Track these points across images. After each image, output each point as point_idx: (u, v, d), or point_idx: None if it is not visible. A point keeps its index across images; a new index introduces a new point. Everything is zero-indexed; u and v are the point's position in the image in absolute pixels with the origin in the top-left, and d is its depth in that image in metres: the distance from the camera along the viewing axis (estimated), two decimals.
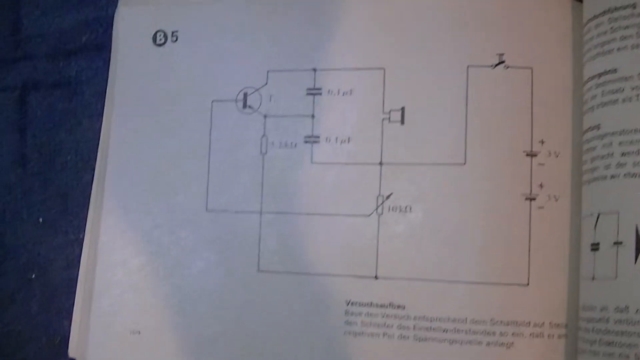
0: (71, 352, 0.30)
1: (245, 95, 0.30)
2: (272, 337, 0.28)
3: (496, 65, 0.28)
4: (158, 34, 0.31)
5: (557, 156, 0.27)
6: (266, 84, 0.30)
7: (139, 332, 0.29)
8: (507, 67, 0.28)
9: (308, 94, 0.29)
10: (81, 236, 0.31)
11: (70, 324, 0.30)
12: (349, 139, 0.29)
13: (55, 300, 0.31)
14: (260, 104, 0.30)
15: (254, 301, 0.29)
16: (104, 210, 0.30)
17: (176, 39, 0.31)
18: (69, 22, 0.33)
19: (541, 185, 0.27)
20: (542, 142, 0.27)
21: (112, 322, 0.30)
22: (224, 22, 0.31)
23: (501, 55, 0.28)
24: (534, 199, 0.27)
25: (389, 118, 0.28)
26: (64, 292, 0.31)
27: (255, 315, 0.28)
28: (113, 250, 0.30)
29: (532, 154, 0.27)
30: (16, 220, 0.32)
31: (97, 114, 0.32)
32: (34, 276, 0.32)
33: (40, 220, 0.32)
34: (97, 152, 0.31)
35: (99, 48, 0.33)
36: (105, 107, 0.31)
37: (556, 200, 0.27)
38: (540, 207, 0.27)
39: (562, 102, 0.27)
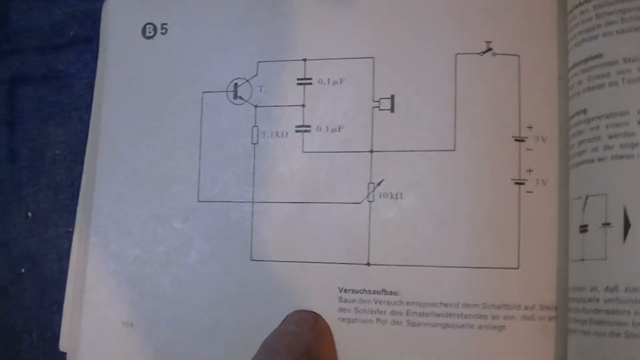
0: (62, 346, 0.30)
1: (235, 86, 0.30)
2: (266, 326, 0.28)
3: (484, 52, 0.28)
4: (147, 27, 0.31)
5: (545, 141, 0.27)
6: (256, 74, 0.30)
7: (132, 324, 0.29)
8: (495, 55, 0.28)
9: (299, 83, 0.29)
10: (71, 229, 0.31)
11: (60, 318, 0.30)
12: (339, 127, 0.29)
13: (47, 294, 0.31)
14: (251, 94, 0.30)
15: (247, 290, 0.29)
16: (94, 203, 0.30)
17: (165, 31, 0.31)
18: (57, 15, 0.33)
19: (529, 170, 0.27)
20: (530, 127, 0.27)
21: (105, 315, 0.30)
22: (214, 14, 0.31)
23: (489, 42, 0.28)
24: (523, 183, 0.27)
25: (379, 106, 0.29)
26: (56, 285, 0.31)
27: (250, 304, 0.28)
28: (105, 242, 0.30)
29: (520, 139, 0.27)
30: (5, 214, 0.32)
31: (86, 107, 0.32)
32: (24, 270, 0.32)
33: (30, 214, 0.32)
34: (85, 145, 0.31)
35: (88, 41, 0.33)
36: (94, 100, 0.31)
37: (544, 184, 0.27)
38: (529, 192, 0.27)
39: (548, 88, 0.28)
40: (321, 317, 0.28)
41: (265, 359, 0.25)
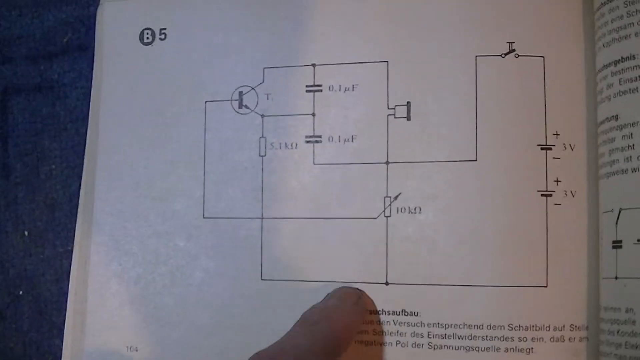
0: None
1: (240, 94, 0.28)
2: None
3: (506, 54, 0.26)
4: (145, 32, 0.29)
5: (573, 149, 0.26)
6: (263, 81, 0.28)
7: (137, 349, 0.28)
8: (518, 56, 0.26)
9: (308, 91, 0.28)
10: (70, 248, 0.29)
11: (61, 342, 0.29)
12: (352, 137, 0.27)
13: (46, 317, 0.30)
14: (257, 103, 0.28)
15: (258, 311, 0.27)
16: (94, 220, 0.29)
17: (164, 37, 0.29)
18: (49, 22, 0.31)
19: (557, 181, 0.25)
20: (557, 134, 0.26)
21: (108, 339, 0.28)
22: (216, 18, 0.29)
23: (511, 43, 0.26)
24: (550, 194, 0.25)
25: (395, 114, 0.27)
26: (55, 308, 0.30)
27: (260, 326, 0.27)
28: (106, 261, 0.28)
29: (546, 147, 0.26)
30: (1, 233, 0.31)
31: (82, 118, 0.30)
32: (21, 292, 0.30)
33: (26, 233, 0.30)
34: (83, 158, 0.30)
35: (83, 49, 0.31)
36: (90, 111, 0.30)
37: (573, 195, 0.25)
38: (557, 204, 0.25)
39: (576, 92, 0.26)
40: (365, 293, 0.26)
41: (303, 330, 0.23)
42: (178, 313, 0.28)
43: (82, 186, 0.29)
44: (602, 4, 0.25)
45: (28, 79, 0.31)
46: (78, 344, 0.28)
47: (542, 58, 0.26)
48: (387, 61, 0.27)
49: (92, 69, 0.30)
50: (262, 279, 0.27)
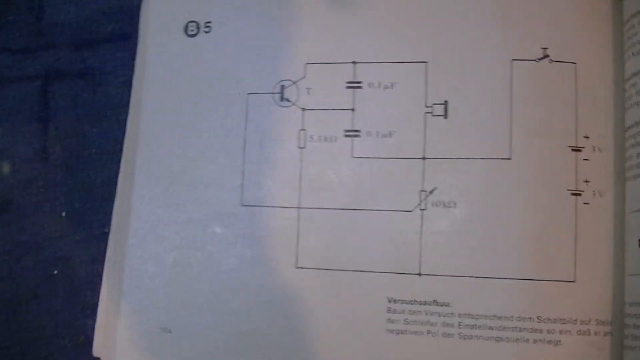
0: (96, 352, 0.29)
1: (282, 87, 0.29)
2: (310, 336, 0.27)
3: (541, 59, 0.27)
4: (190, 25, 0.30)
5: (601, 151, 0.27)
6: (304, 76, 0.29)
7: (170, 331, 0.28)
8: (552, 62, 0.27)
9: (348, 87, 0.29)
10: (106, 230, 0.30)
11: (94, 322, 0.29)
12: (390, 133, 0.28)
13: (79, 297, 0.30)
14: (298, 96, 0.29)
15: (291, 299, 0.28)
16: (132, 204, 0.29)
17: (209, 30, 0.30)
18: (93, 10, 0.32)
19: (586, 181, 0.27)
20: (587, 137, 0.27)
21: (142, 320, 0.29)
22: (260, 13, 0.30)
23: (545, 49, 0.27)
24: (580, 194, 0.27)
25: (432, 112, 0.28)
26: (88, 288, 0.30)
27: (293, 313, 0.28)
28: (143, 245, 0.29)
29: (577, 149, 0.27)
30: (38, 214, 0.31)
31: (122, 106, 0.31)
32: (56, 272, 0.31)
33: (63, 214, 0.31)
34: (122, 144, 0.30)
35: (125, 38, 0.32)
36: (131, 99, 0.30)
37: (601, 196, 0.27)
38: (586, 203, 0.26)
39: (605, 97, 0.27)
40: None
41: None
42: (212, 298, 0.28)
43: (120, 171, 0.30)
44: (631, 15, 0.27)
45: (70, 65, 0.32)
46: (112, 324, 0.29)
47: (575, 64, 0.27)
48: (426, 62, 0.28)
49: (133, 58, 0.31)
50: (297, 267, 0.28)
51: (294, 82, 0.29)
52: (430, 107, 0.28)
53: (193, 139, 0.29)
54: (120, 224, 0.30)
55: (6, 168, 0.32)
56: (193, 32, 0.30)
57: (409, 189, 0.28)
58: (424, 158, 0.28)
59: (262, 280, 0.28)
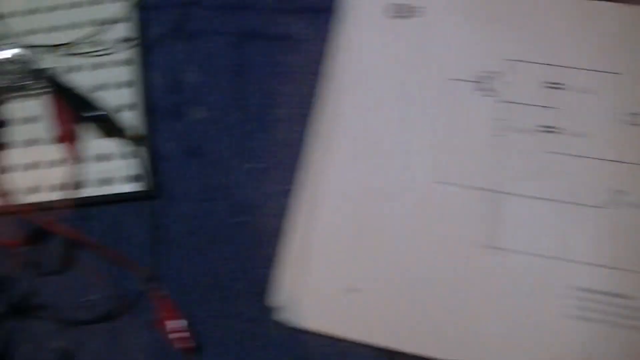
0: (272, 302, 0.29)
1: (482, 78, 0.31)
2: (493, 316, 0.28)
3: None
4: (402, 7, 0.32)
5: None
6: (503, 71, 0.31)
7: (360, 290, 0.29)
8: None
9: (546, 86, 0.31)
10: (291, 187, 0.31)
11: (270, 273, 0.29)
12: (585, 134, 0.30)
13: (259, 247, 0.30)
14: (496, 88, 0.31)
15: (482, 277, 0.29)
16: (326, 168, 0.30)
17: (421, 14, 0.32)
18: None
19: None
20: None
21: (330, 278, 0.29)
22: (470, 4, 0.32)
23: None
24: None
25: (631, 121, 0.30)
26: (269, 240, 0.30)
27: (482, 291, 0.28)
28: (336, 207, 0.30)
29: None
30: (232, 159, 0.31)
31: (313, 72, 0.32)
32: (242, 219, 0.31)
33: (253, 165, 0.31)
34: (308, 108, 0.31)
35: (323, 10, 0.33)
36: (328, 67, 0.32)
37: None
38: None
39: None
40: None
41: None
42: (401, 265, 0.29)
43: (316, 133, 0.31)
44: None
45: (266, 27, 0.33)
46: (299, 280, 0.29)
47: None
48: (620, 73, 0.31)
49: (327, 30, 0.32)
50: (490, 247, 0.29)
51: (493, 74, 0.31)
52: (629, 115, 0.30)
53: (391, 114, 0.31)
54: (312, 185, 0.30)
55: (200, 113, 0.32)
56: (404, 15, 0.32)
57: (598, 186, 0.29)
58: (617, 161, 0.30)
59: (450, 256, 0.29)
